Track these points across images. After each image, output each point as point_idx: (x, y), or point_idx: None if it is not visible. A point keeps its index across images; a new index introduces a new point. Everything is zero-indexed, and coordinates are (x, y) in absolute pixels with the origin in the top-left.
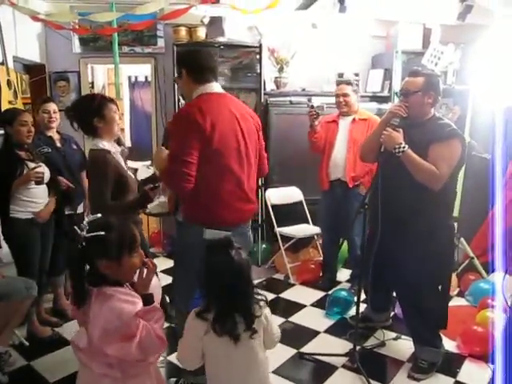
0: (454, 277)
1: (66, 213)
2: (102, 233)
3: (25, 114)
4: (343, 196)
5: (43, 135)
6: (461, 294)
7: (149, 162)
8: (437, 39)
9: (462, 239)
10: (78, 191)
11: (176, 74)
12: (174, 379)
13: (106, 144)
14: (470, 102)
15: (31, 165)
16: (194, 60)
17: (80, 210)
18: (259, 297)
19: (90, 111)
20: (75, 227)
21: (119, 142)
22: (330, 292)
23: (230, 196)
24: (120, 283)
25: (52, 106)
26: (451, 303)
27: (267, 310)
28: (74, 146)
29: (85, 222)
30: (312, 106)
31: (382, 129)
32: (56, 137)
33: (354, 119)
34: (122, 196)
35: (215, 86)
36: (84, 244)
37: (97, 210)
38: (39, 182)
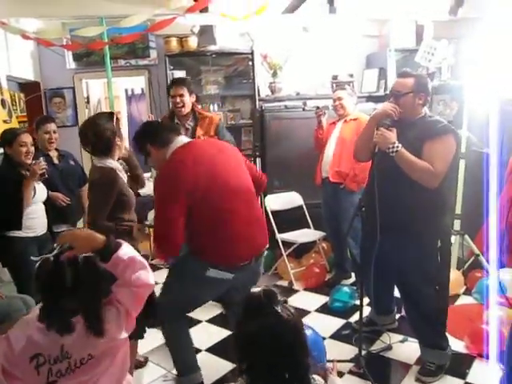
0: (460, 275)
1: (65, 229)
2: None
3: (24, 135)
4: (332, 195)
5: (41, 153)
6: (468, 292)
7: (148, 175)
8: (430, 35)
9: (465, 236)
10: (76, 207)
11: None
12: None
13: (113, 162)
14: (466, 97)
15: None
16: (150, 131)
17: (80, 225)
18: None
19: (113, 130)
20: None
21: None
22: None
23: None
24: None
25: (52, 127)
26: (458, 302)
27: None
28: (72, 162)
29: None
30: (318, 107)
31: (372, 126)
32: (53, 154)
33: (345, 120)
34: (122, 212)
35: (179, 141)
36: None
37: (93, 223)
38: (43, 175)
